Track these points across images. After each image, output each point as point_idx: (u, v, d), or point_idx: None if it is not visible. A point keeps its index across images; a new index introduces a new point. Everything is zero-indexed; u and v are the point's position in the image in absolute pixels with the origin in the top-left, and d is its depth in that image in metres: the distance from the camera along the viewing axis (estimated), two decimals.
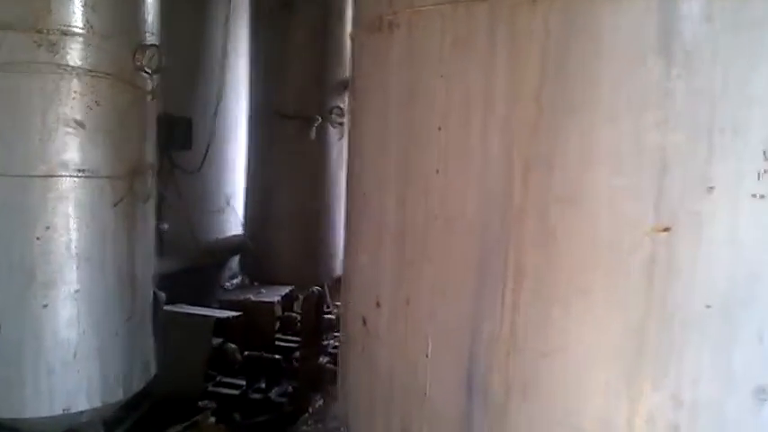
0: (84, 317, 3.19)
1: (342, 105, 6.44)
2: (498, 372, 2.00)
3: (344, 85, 6.38)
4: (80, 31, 3.06)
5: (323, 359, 4.74)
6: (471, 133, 2.02)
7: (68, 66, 3.04)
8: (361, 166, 2.53)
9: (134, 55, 3.28)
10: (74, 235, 3.12)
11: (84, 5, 3.06)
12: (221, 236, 6.78)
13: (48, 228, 3.06)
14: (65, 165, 3.07)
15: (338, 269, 6.72)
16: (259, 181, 6.49)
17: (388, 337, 2.37)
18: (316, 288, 4.65)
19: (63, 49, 3.03)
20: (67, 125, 3.07)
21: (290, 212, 6.36)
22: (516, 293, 1.92)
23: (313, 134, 6.20)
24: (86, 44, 3.09)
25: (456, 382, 2.09)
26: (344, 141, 6.57)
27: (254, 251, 6.52)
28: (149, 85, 3.44)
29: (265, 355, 4.87)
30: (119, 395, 3.39)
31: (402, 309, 2.27)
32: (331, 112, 6.30)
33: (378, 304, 2.39)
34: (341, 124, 6.45)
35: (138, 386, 3.53)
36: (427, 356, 2.19)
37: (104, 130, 3.18)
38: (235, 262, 7.10)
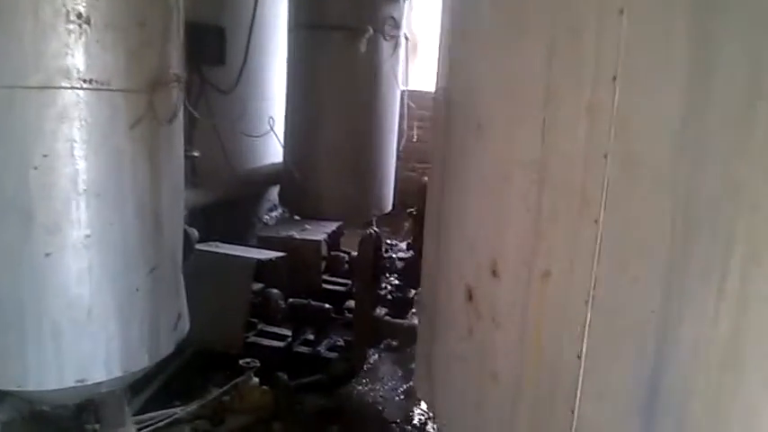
0: (98, 269, 2.52)
1: (395, 15, 5.56)
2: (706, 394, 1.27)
3: None
4: None
5: (379, 310, 4.08)
6: None
7: None
8: (470, 81, 1.76)
9: None
10: (80, 164, 2.42)
11: None
12: (259, 164, 6.08)
13: (46, 155, 2.36)
14: (66, 72, 2.33)
15: (389, 202, 6.01)
16: (301, 102, 5.70)
17: (510, 322, 1.65)
18: (373, 229, 3.95)
19: None
20: (68, 20, 2.31)
21: (335, 137, 5.60)
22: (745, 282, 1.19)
23: (363, 47, 5.37)
24: None
25: (628, 400, 1.38)
26: (398, 56, 5.73)
27: (298, 181, 5.81)
28: None
29: (313, 303, 4.22)
30: (144, 361, 2.77)
31: (538, 284, 1.54)
32: (383, 23, 5.44)
33: (494, 273, 1.66)
34: (394, 37, 5.59)
35: (166, 349, 2.90)
36: (579, 357, 1.48)
37: (117, 27, 2.42)
38: (274, 194, 6.43)
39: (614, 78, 1.38)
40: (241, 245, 4.94)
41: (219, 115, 4.98)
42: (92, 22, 2.36)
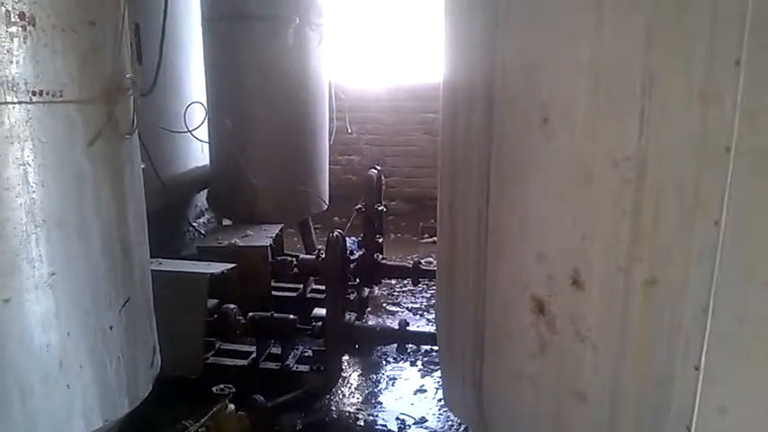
0: (66, 310, 2.17)
1: (319, 2, 5.29)
2: None
3: None
4: None
5: (349, 316, 3.86)
6: None
7: None
8: (528, 68, 1.57)
9: None
10: (37, 192, 2.05)
11: None
12: (184, 168, 5.66)
13: None
14: (12, 85, 1.96)
15: (326, 198, 5.77)
16: (225, 99, 5.32)
17: (602, 335, 1.49)
18: (337, 231, 3.72)
19: None
20: (9, 21, 1.94)
21: (267, 134, 5.28)
22: None
23: (290, 39, 5.08)
24: None
25: (756, 413, 1.26)
26: (324, 45, 5.46)
27: (227, 184, 5.45)
28: None
29: (276, 314, 3.94)
30: (123, 407, 2.44)
31: (639, 293, 1.39)
32: (308, 11, 5.16)
33: (576, 283, 1.50)
34: (319, 26, 5.32)
35: (145, 389, 2.58)
36: (697, 369, 1.34)
37: (65, 27, 2.07)
38: (201, 199, 6.03)
39: (737, 62, 1.24)
40: (182, 258, 4.56)
41: (139, 119, 4.54)
42: (37, 22, 2.00)
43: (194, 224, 6.05)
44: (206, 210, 6.18)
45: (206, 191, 5.84)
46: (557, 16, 1.52)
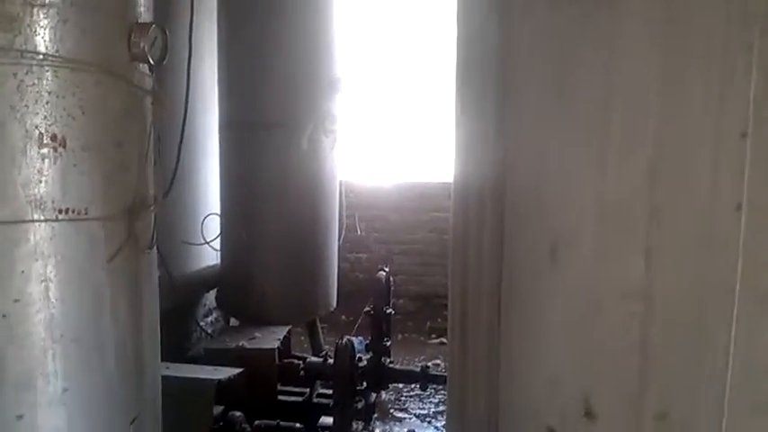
0: (78, 425, 2.15)
1: (333, 109, 5.49)
2: None
3: (336, 85, 5.44)
4: None
5: (356, 425, 3.79)
6: None
7: (38, 52, 2.01)
8: (538, 189, 1.61)
9: (129, 37, 2.26)
10: (57, 307, 2.07)
11: None
12: (195, 268, 5.71)
13: (17, 300, 2.01)
14: (40, 203, 2.02)
15: (334, 298, 5.77)
16: (239, 202, 5.43)
17: None
18: (346, 339, 3.71)
19: (28, 26, 2.00)
20: (42, 143, 2.03)
21: (277, 236, 5.35)
22: None
23: (305, 144, 5.24)
24: (61, 19, 2.06)
25: None
26: (337, 149, 5.61)
27: (237, 283, 5.48)
28: (149, 83, 2.43)
29: (282, 424, 3.87)
30: None
31: (650, 428, 1.38)
32: (323, 118, 5.34)
33: (588, 414, 1.49)
34: (333, 131, 5.50)
35: None
36: None
37: (93, 148, 2.15)
38: (209, 297, 6.04)
39: (739, 207, 1.29)
40: (187, 361, 4.53)
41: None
42: (68, 144, 2.08)
43: (202, 323, 6.03)
44: (214, 308, 6.17)
45: (215, 290, 5.85)
46: (562, 149, 1.59)
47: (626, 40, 1.43)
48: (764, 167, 1.29)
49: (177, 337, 5.62)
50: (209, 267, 5.76)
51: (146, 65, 2.35)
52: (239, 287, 5.43)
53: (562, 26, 1.57)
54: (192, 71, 3.94)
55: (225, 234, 5.50)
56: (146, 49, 2.26)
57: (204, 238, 5.28)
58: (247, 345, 4.72)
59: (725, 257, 1.32)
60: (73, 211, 2.10)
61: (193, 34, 4.11)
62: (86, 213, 2.13)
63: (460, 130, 2.20)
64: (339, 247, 5.93)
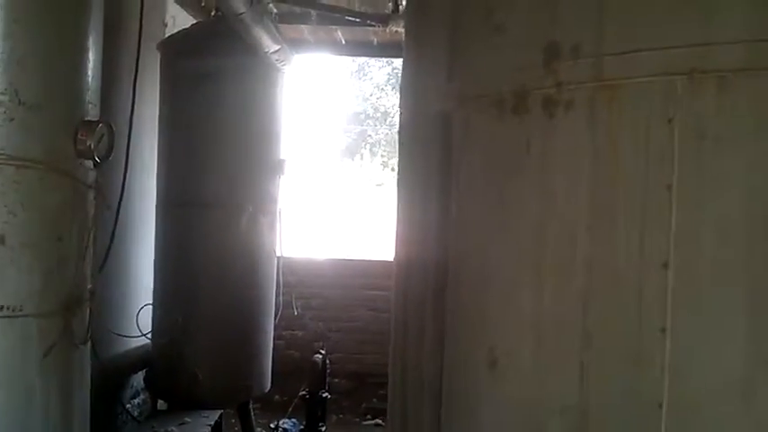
0: None
1: (273, 191, 5.56)
2: None
3: (279, 167, 5.53)
4: (1, 97, 2.07)
5: None
6: None
7: None
8: (476, 298, 1.71)
9: (76, 135, 2.30)
10: None
11: (8, 60, 2.08)
12: (124, 349, 5.54)
13: None
14: None
15: (269, 379, 5.68)
16: (172, 281, 5.36)
17: None
18: (282, 426, 3.66)
19: None
20: None
21: (212, 316, 5.27)
22: None
23: (243, 225, 5.26)
24: (8, 117, 2.09)
25: None
26: (275, 228, 5.64)
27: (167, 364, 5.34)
28: (91, 177, 2.46)
29: None
30: None
31: None
32: (262, 200, 5.39)
33: None
34: (272, 212, 5.55)
35: None
36: None
37: (34, 244, 2.15)
38: (137, 378, 5.85)
39: (663, 330, 1.42)
40: None
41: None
42: (6, 241, 2.08)
43: (128, 406, 5.82)
44: (142, 389, 5.98)
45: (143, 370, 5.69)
46: (499, 269, 1.70)
47: (558, 165, 1.58)
48: (684, 294, 1.42)
49: (100, 421, 5.40)
50: (138, 348, 5.61)
51: (91, 161, 2.38)
52: (170, 368, 5.29)
53: (508, 138, 1.70)
54: (129, 157, 3.97)
55: (157, 314, 5.39)
56: (92, 146, 2.30)
57: (140, 330, 5.17)
58: (176, 431, 4.58)
59: (651, 374, 1.43)
60: (8, 308, 2.08)
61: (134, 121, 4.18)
62: (21, 310, 2.11)
63: (403, 219, 2.30)
64: (275, 325, 5.89)
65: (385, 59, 16.88)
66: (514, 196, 1.69)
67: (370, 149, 20.28)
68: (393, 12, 6.27)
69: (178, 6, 6.22)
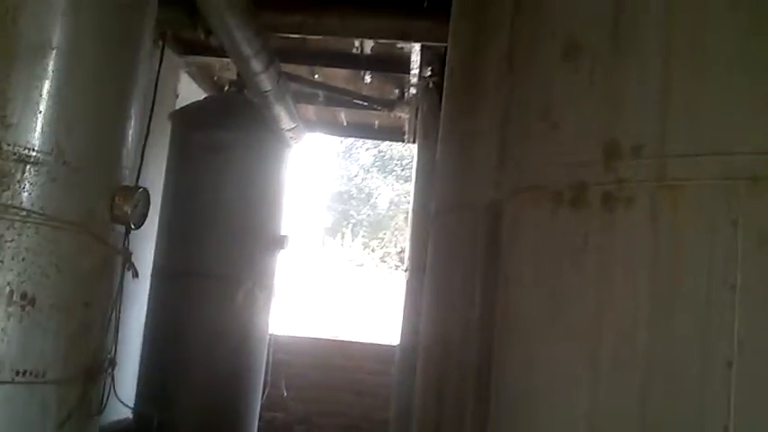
0: None
1: (271, 266, 5.52)
2: None
3: (281, 243, 5.51)
4: (46, 157, 2.06)
5: None
6: None
7: (22, 208, 2.00)
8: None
9: (113, 199, 2.28)
10: None
11: (57, 120, 2.08)
12: (105, 422, 5.32)
13: None
14: None
15: None
16: (162, 347, 5.20)
17: None
18: None
19: (18, 182, 2.00)
20: (10, 301, 1.96)
21: (199, 392, 5.13)
22: None
23: (239, 298, 5.18)
24: (50, 178, 2.08)
25: None
26: (270, 303, 5.57)
27: None
28: (120, 243, 2.43)
29: None
30: None
31: None
32: (261, 275, 5.34)
33: None
34: (268, 287, 5.49)
35: None
36: None
37: (63, 307, 2.10)
38: None
39: (725, 429, 1.40)
40: None
41: None
42: (37, 302, 2.02)
43: None
44: None
45: None
46: (550, 360, 1.68)
47: (618, 259, 1.59)
48: (748, 394, 1.42)
49: None
50: (120, 421, 5.39)
51: (123, 225, 2.36)
52: None
53: (564, 230, 1.70)
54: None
55: (141, 385, 5.21)
56: (128, 212, 2.28)
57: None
58: None
59: None
60: (30, 373, 2.00)
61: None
62: (44, 375, 2.03)
63: (437, 305, 2.27)
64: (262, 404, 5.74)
65: (372, 142, 17.25)
66: (570, 288, 1.70)
67: (352, 229, 20.35)
68: (398, 98, 6.45)
69: (189, 78, 6.32)
